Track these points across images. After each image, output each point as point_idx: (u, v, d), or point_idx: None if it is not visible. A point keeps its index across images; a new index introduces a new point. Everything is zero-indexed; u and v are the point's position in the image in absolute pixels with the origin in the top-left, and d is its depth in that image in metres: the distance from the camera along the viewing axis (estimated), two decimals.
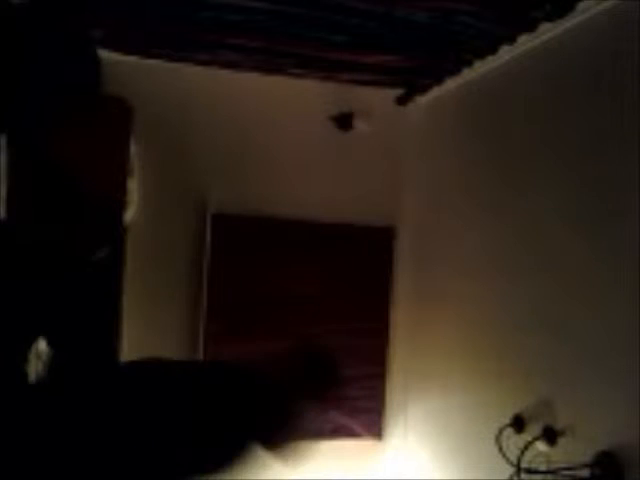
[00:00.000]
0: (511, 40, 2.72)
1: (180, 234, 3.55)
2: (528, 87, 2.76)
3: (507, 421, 2.56)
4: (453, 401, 3.19)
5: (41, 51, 1.23)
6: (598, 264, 2.24)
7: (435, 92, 3.56)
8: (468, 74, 3.17)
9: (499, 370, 2.78)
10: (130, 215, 3.24)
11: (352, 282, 3.76)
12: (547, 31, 2.56)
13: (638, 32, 2.10)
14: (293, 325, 3.66)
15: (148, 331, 3.37)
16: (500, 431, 2.53)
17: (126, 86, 3.29)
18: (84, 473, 1.12)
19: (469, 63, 3.07)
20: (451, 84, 3.37)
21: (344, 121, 3.68)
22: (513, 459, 2.34)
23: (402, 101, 3.81)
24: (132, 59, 3.35)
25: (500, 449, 2.47)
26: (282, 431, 1.46)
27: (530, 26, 2.56)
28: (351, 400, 3.76)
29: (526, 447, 2.31)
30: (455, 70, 3.19)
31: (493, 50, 2.86)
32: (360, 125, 3.69)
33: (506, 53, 2.84)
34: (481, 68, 3.05)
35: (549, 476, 2.21)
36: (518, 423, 2.53)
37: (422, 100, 3.72)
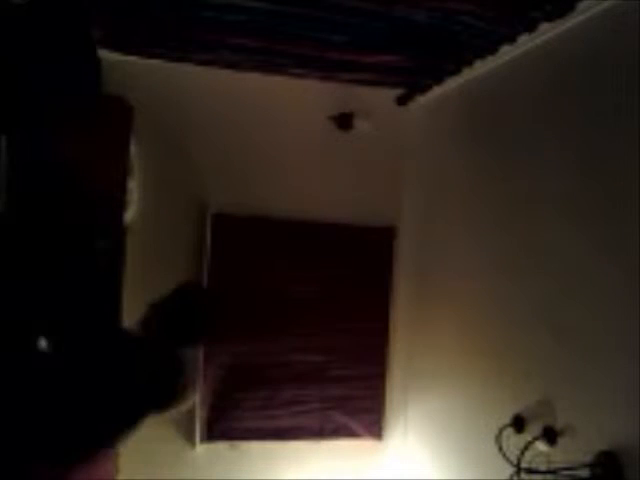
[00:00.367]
0: (511, 40, 2.72)
1: (180, 234, 3.55)
2: (528, 87, 2.76)
3: (507, 421, 2.56)
4: (453, 401, 3.19)
5: (41, 51, 1.24)
6: (598, 264, 2.24)
7: (435, 92, 3.56)
8: (468, 74, 3.17)
9: (499, 370, 2.78)
10: (130, 215, 3.25)
11: (352, 282, 3.76)
12: (547, 31, 2.55)
13: (638, 32, 2.10)
14: (293, 324, 3.66)
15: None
16: (500, 431, 2.53)
17: (126, 86, 3.31)
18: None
19: (469, 63, 3.07)
20: (451, 84, 3.37)
21: (344, 121, 3.68)
22: (513, 459, 2.33)
23: (402, 101, 3.81)
24: (132, 59, 3.35)
25: (500, 449, 2.47)
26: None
27: (530, 26, 2.56)
28: (351, 400, 3.77)
29: (526, 447, 2.31)
30: (455, 70, 3.19)
31: (493, 50, 2.86)
32: (360, 125, 3.69)
33: (506, 53, 2.84)
34: (481, 68, 3.05)
35: (549, 476, 2.21)
36: (518, 423, 2.52)
37: (422, 100, 3.72)
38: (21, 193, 2.42)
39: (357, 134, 3.72)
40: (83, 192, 2.52)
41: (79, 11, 2.60)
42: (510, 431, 2.53)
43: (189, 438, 3.55)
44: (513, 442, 2.46)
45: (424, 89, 3.59)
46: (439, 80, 3.40)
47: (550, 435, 2.33)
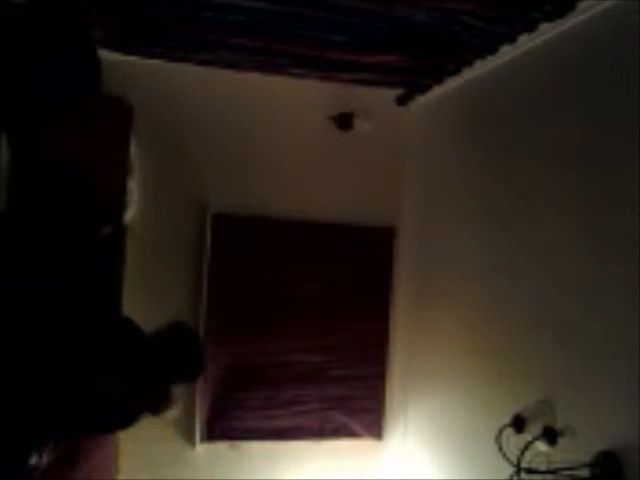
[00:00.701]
0: (511, 40, 2.72)
1: (180, 234, 3.55)
2: (528, 87, 2.76)
3: (507, 421, 2.56)
4: (453, 401, 3.19)
5: (41, 51, 1.24)
6: (598, 264, 2.24)
7: (435, 92, 3.56)
8: (468, 74, 3.17)
9: (499, 370, 2.78)
10: (130, 215, 3.25)
11: (352, 282, 3.76)
12: (547, 31, 2.55)
13: (638, 32, 2.10)
14: (293, 325, 3.66)
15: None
16: (500, 431, 2.53)
17: (126, 86, 3.31)
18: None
19: (469, 63, 3.07)
20: (451, 84, 3.37)
21: (344, 121, 3.68)
22: (513, 459, 2.33)
23: (402, 101, 3.81)
24: (132, 59, 3.35)
25: (500, 449, 2.47)
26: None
27: (530, 26, 2.56)
28: (351, 400, 3.76)
29: (526, 447, 2.31)
30: (455, 70, 3.19)
31: (493, 50, 2.86)
32: (360, 125, 3.69)
33: (506, 53, 2.84)
34: (481, 68, 3.05)
35: (549, 476, 2.21)
36: (518, 423, 2.52)
37: (422, 100, 3.72)
38: (21, 193, 2.42)
39: (357, 134, 3.72)
40: (83, 192, 2.52)
41: (79, 11, 2.60)
42: (510, 431, 2.53)
43: (189, 438, 3.55)
44: (513, 442, 2.46)
45: (424, 89, 3.59)
46: (439, 80, 3.40)
47: (550, 435, 2.33)
